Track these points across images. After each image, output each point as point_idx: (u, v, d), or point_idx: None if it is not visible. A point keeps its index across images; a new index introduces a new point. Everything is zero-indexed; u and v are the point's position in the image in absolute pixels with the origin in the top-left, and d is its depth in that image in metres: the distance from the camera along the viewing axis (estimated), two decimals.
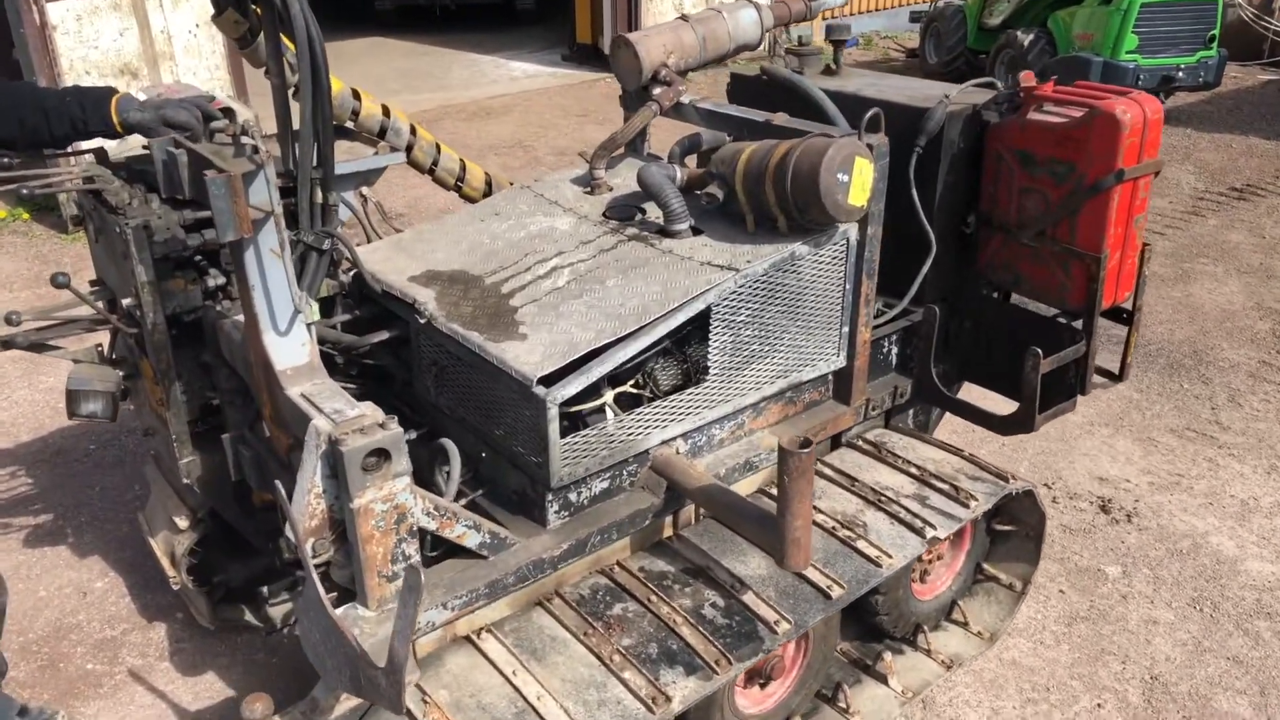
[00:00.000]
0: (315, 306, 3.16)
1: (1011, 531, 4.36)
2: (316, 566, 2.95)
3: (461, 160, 4.54)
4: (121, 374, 3.82)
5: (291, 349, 3.11)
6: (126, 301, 3.54)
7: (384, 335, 3.82)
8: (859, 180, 3.48)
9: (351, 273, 3.90)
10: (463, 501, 3.44)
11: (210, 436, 3.82)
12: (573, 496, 3.34)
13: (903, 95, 4.23)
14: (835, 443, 4.21)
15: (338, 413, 2.88)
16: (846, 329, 3.92)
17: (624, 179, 4.37)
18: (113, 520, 5.34)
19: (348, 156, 4.07)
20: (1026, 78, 4.06)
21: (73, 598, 4.74)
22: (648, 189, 3.86)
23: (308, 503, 2.86)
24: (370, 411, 2.90)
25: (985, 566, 4.44)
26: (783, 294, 3.62)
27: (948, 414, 4.66)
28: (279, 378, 3.07)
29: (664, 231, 3.84)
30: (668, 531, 3.71)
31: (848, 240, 3.73)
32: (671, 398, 3.46)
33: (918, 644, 4.26)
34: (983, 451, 4.99)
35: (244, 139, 2.98)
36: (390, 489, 2.83)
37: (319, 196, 3.74)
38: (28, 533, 5.19)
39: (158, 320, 3.51)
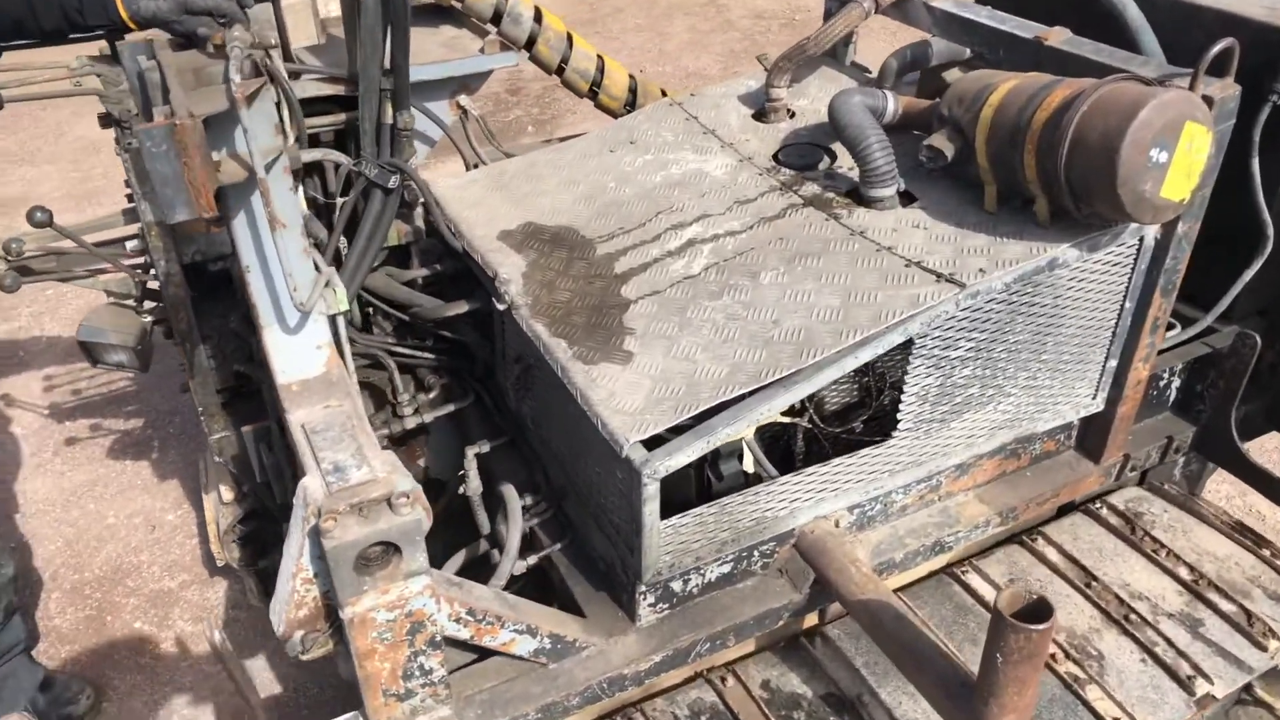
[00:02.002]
0: (341, 293, 2.23)
1: None
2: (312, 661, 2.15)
3: (600, 59, 3.43)
4: (149, 318, 3.07)
5: (302, 354, 2.21)
6: (131, 243, 2.73)
7: (464, 307, 2.88)
8: (1185, 160, 2.16)
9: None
10: (530, 560, 2.54)
11: (247, 405, 3.06)
12: (676, 586, 2.36)
13: (1264, 6, 2.75)
14: (1065, 508, 3.00)
15: (338, 471, 1.98)
16: (1113, 363, 2.65)
17: (812, 101, 3.14)
18: (202, 435, 4.82)
19: (446, 53, 3.05)
20: None
21: (140, 530, 4.26)
22: (841, 129, 2.64)
23: (293, 588, 2.02)
24: (386, 474, 1.99)
25: (1256, 687, 3.19)
26: (1027, 317, 2.40)
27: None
28: (280, 395, 2.19)
29: (858, 195, 2.65)
30: (810, 619, 2.70)
31: (1141, 242, 2.43)
32: (838, 462, 2.37)
33: None
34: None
35: (235, 45, 2.02)
36: (400, 593, 1.94)
37: (388, 114, 2.79)
38: (113, 440, 4.74)
39: (171, 270, 2.69)
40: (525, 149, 3.43)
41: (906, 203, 2.64)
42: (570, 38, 3.36)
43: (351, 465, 2.00)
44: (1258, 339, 2.81)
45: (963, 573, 2.75)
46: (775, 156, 2.92)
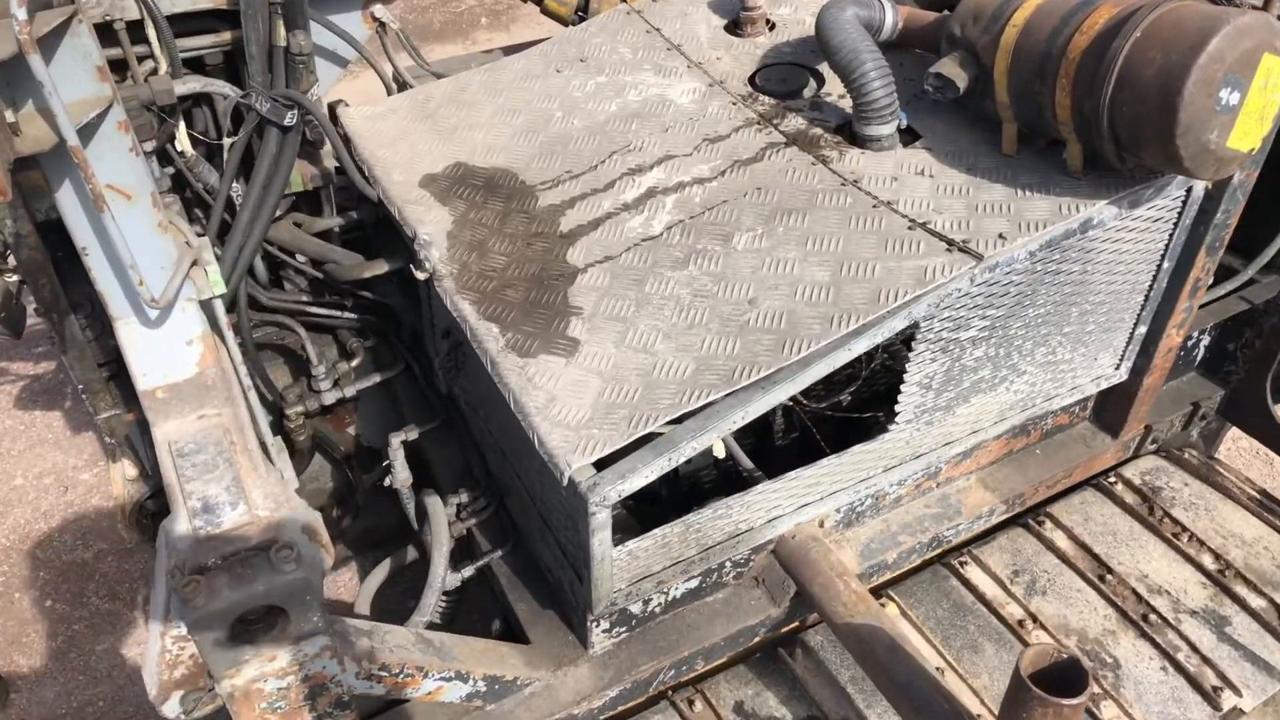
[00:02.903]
0: (215, 273, 1.79)
1: None
2: None
3: None
4: (13, 278, 2.60)
5: (168, 353, 1.79)
6: None
7: (382, 267, 2.44)
8: (1259, 101, 1.73)
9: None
10: (465, 572, 2.18)
11: None
12: (635, 608, 2.02)
13: None
14: None
15: (208, 511, 1.59)
16: (1143, 330, 2.28)
17: (796, 10, 2.66)
18: None
19: None
20: None
21: (51, 492, 3.87)
22: (831, 51, 2.18)
23: (163, 647, 1.65)
24: (269, 512, 1.60)
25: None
26: (1051, 287, 2.01)
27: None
28: (143, 403, 1.78)
29: (850, 132, 2.21)
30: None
31: (1189, 194, 2.03)
32: (825, 464, 2.01)
33: None
34: None
35: None
36: (292, 658, 1.58)
37: (280, 35, 2.28)
38: (20, 388, 4.28)
39: (21, 229, 2.22)
40: (458, 64, 2.94)
41: (908, 141, 2.21)
42: None
43: (225, 502, 1.61)
44: None
45: (961, 564, 2.43)
46: (752, 80, 2.46)
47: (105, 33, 2.18)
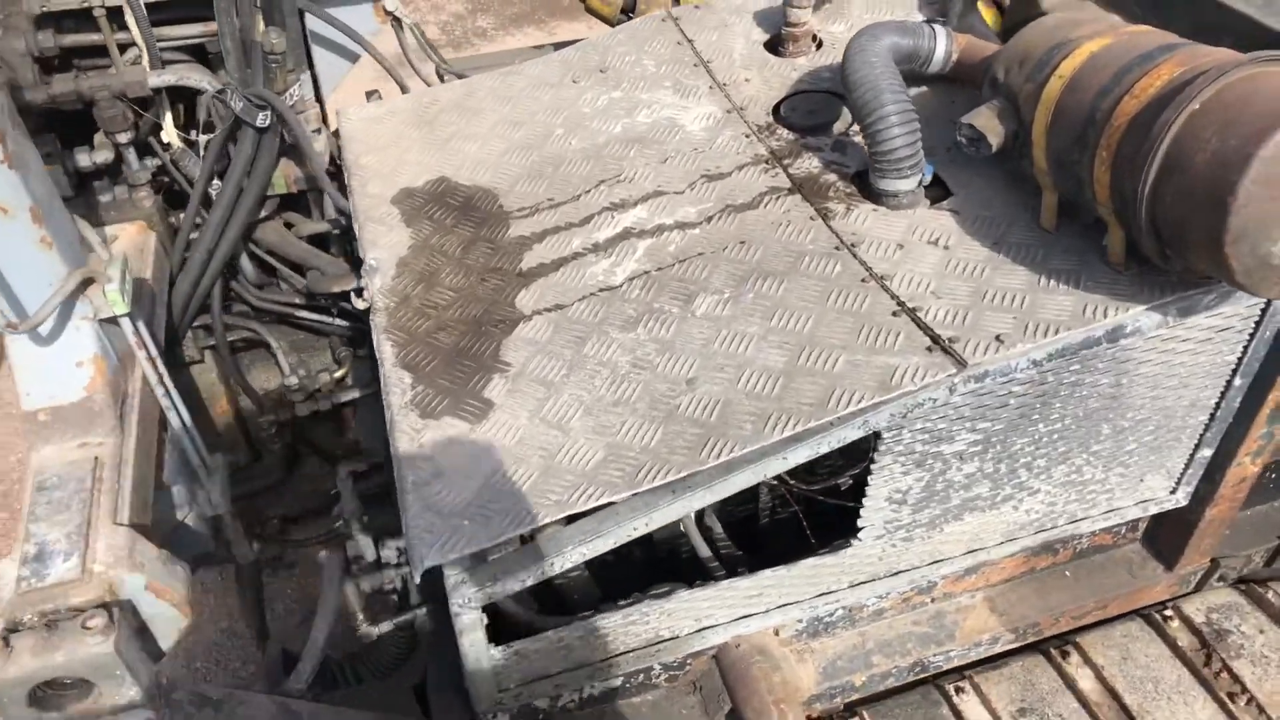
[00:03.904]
0: (115, 291, 1.67)
1: None
2: None
3: None
4: None
5: (54, 373, 1.68)
6: None
7: (351, 283, 2.29)
8: None
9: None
10: (383, 627, 2.01)
11: None
12: (542, 704, 1.80)
13: None
14: None
15: (39, 559, 1.48)
16: (1207, 453, 1.87)
17: (851, 27, 2.32)
18: None
19: None
20: None
21: None
22: (850, 87, 1.86)
23: None
24: (104, 569, 1.47)
25: None
26: (1070, 401, 1.65)
27: None
28: (26, 424, 1.68)
29: (864, 183, 1.89)
30: None
31: (1267, 305, 1.61)
32: (769, 576, 1.72)
33: None
34: None
35: None
36: None
37: (259, 29, 2.14)
38: None
39: None
40: (492, 60, 2.74)
41: (938, 197, 1.86)
42: None
43: (60, 551, 1.49)
44: None
45: (957, 689, 2.08)
46: (776, 109, 2.16)
47: (85, 18, 2.10)
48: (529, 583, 1.49)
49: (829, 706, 1.97)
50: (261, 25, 2.10)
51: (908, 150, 1.80)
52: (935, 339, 1.56)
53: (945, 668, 2.02)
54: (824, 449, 1.51)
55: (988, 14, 2.39)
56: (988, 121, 1.75)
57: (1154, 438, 1.80)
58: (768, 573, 1.71)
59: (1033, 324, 1.54)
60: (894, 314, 1.62)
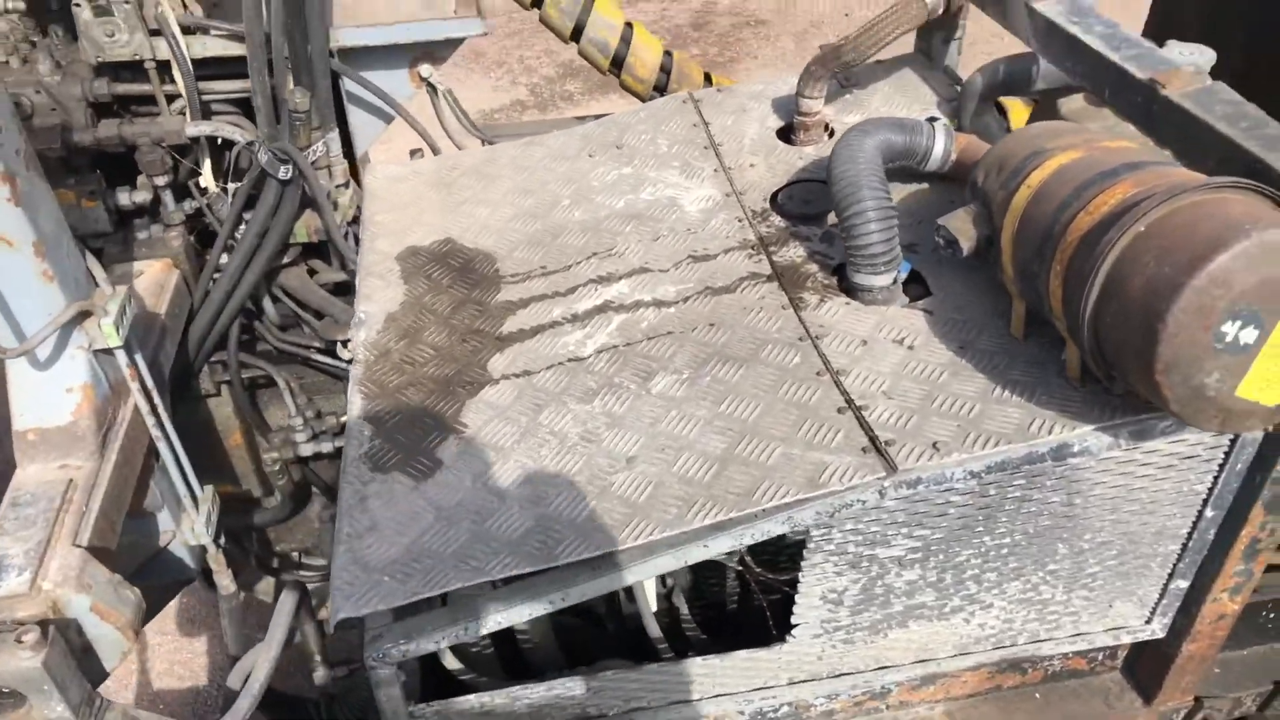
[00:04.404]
0: (110, 326, 1.78)
1: None
2: None
3: (627, 29, 2.72)
4: None
5: (46, 396, 1.79)
6: None
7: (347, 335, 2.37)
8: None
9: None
10: (338, 673, 2.05)
11: None
12: None
13: None
14: None
15: None
16: (1182, 585, 1.78)
17: (867, 112, 2.34)
18: None
19: (415, 12, 2.49)
20: None
21: None
22: (831, 180, 1.88)
23: None
24: (51, 587, 1.56)
25: None
26: (1019, 516, 1.60)
27: None
28: (15, 441, 1.79)
29: (844, 276, 1.89)
30: None
31: (1231, 445, 1.55)
32: (700, 663, 1.71)
33: None
34: None
35: None
36: None
37: (288, 88, 2.28)
38: None
39: None
40: (530, 130, 2.84)
41: (918, 296, 1.85)
42: (589, 1, 2.69)
43: (14, 566, 1.58)
44: None
45: None
46: (774, 196, 2.18)
47: (138, 69, 2.28)
48: (443, 644, 1.51)
49: None
50: (291, 84, 2.24)
51: (883, 246, 1.80)
52: (873, 440, 1.54)
53: None
54: (747, 540, 1.50)
55: (1020, 114, 2.38)
56: (962, 225, 1.74)
57: (1119, 563, 1.72)
58: (699, 660, 1.69)
59: (975, 434, 1.51)
60: (839, 410, 1.61)
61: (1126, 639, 1.87)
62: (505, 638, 1.86)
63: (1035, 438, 1.49)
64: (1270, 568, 2.03)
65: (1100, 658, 1.99)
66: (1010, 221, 1.61)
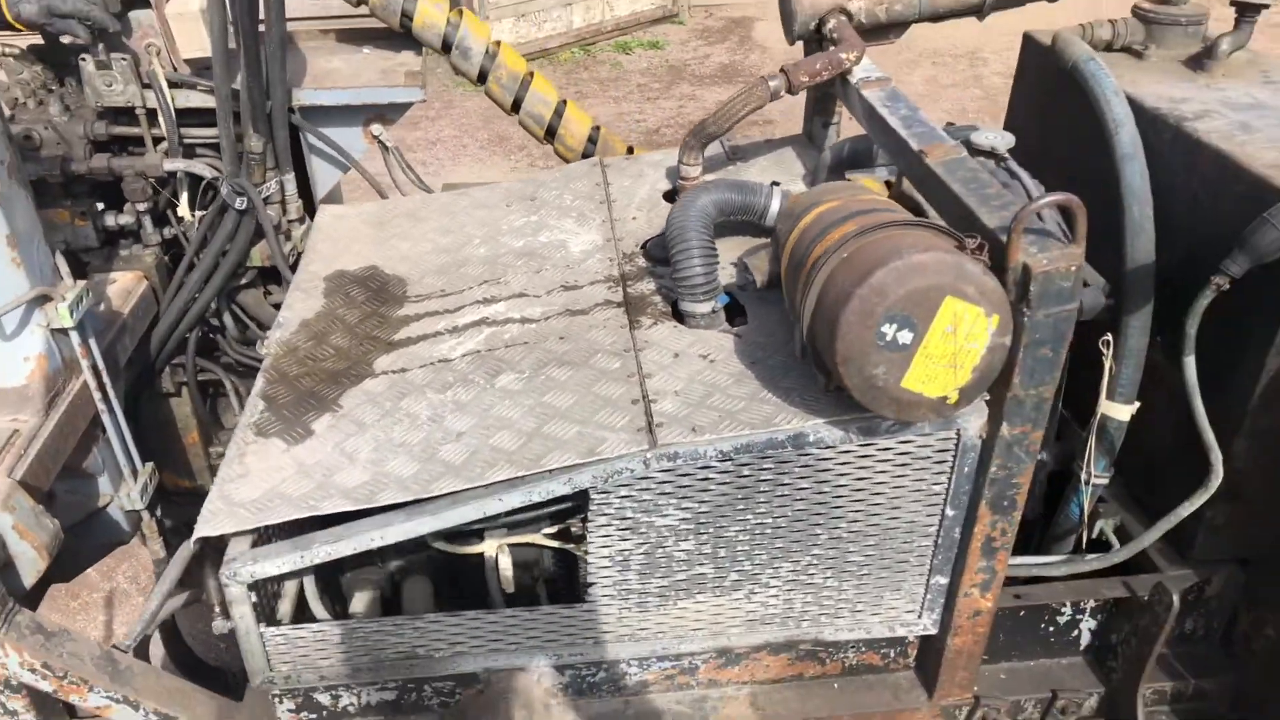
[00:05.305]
0: (65, 310, 2.19)
1: None
2: None
3: (560, 104, 3.16)
4: None
5: (7, 361, 2.19)
6: None
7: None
8: (946, 346, 1.59)
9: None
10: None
11: None
12: (324, 699, 2.11)
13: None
14: None
15: None
16: (941, 581, 2.05)
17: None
18: None
19: (375, 79, 2.95)
20: None
21: None
22: (667, 227, 2.24)
23: None
24: None
25: None
26: (777, 499, 1.90)
27: None
28: None
29: (676, 306, 2.24)
30: None
31: (959, 438, 1.84)
32: (512, 614, 2.01)
33: None
34: None
35: None
36: None
37: (253, 141, 2.72)
38: None
39: None
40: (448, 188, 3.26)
41: (739, 323, 2.19)
42: (528, 79, 3.13)
43: None
44: (1175, 598, 2.05)
45: None
46: (645, 243, 2.55)
47: (129, 115, 2.74)
48: (283, 570, 1.84)
49: None
50: (253, 134, 2.68)
51: (703, 279, 2.15)
52: (649, 423, 1.86)
53: None
54: (535, 498, 1.82)
55: (872, 185, 2.75)
56: (758, 261, 2.09)
57: (880, 554, 2.00)
58: (509, 610, 1.99)
59: (729, 423, 1.83)
60: (634, 402, 1.94)
61: (902, 631, 2.12)
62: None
63: (771, 427, 1.80)
64: (1034, 580, 2.29)
65: (893, 654, 2.23)
66: (785, 256, 1.96)
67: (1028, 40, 2.81)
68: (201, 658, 2.91)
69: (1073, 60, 2.37)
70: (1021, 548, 2.32)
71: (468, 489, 1.82)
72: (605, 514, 1.87)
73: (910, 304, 1.56)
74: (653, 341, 2.14)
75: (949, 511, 1.94)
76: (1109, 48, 2.62)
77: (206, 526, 1.83)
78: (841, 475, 1.88)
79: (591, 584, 1.97)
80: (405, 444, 1.97)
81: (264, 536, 1.93)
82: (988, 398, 1.80)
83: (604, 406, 1.94)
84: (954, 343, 1.58)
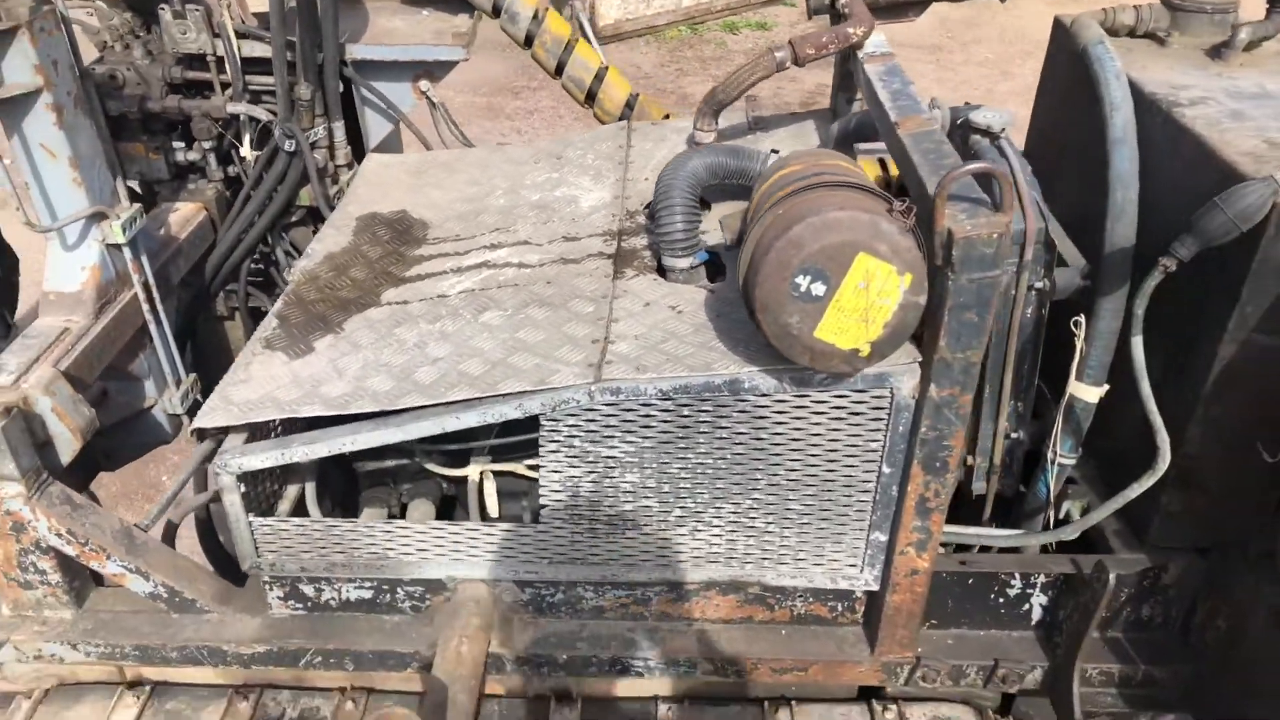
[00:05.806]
0: (118, 228, 2.47)
1: None
2: None
3: (602, 70, 3.29)
4: None
5: (68, 269, 2.49)
6: None
7: None
8: (858, 301, 1.68)
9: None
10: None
11: None
12: (307, 590, 2.33)
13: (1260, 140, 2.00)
14: (867, 692, 2.44)
15: None
16: (880, 537, 2.13)
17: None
18: None
19: (427, 39, 3.16)
20: None
21: None
22: (657, 184, 2.37)
23: None
24: (11, 382, 2.21)
25: None
26: (717, 441, 2.01)
27: None
28: (40, 298, 2.49)
29: (660, 261, 2.37)
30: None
31: (893, 397, 1.92)
32: (473, 528, 2.18)
33: None
34: None
35: None
36: None
37: (302, 89, 2.96)
38: None
39: None
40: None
41: (715, 278, 2.31)
42: (571, 44, 3.29)
43: (6, 370, 2.24)
44: (1111, 576, 2.07)
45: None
46: (650, 204, 2.67)
47: (201, 61, 3.02)
48: (267, 464, 2.06)
49: (539, 684, 2.34)
50: (302, 82, 2.92)
51: (683, 235, 2.27)
52: (600, 361, 2.00)
53: (643, 675, 2.33)
54: (489, 419, 1.99)
55: (869, 169, 2.81)
56: (730, 220, 2.19)
57: (819, 504, 2.09)
58: (468, 524, 2.17)
59: (673, 365, 1.95)
60: (594, 342, 2.09)
61: (844, 584, 2.21)
62: None
63: (709, 371, 1.92)
64: (983, 548, 2.34)
65: (840, 608, 2.32)
66: (750, 211, 2.06)
67: (1057, 24, 2.80)
68: (230, 553, 3.20)
69: (1083, 44, 2.38)
70: (1000, 524, 2.38)
71: (429, 405, 2.00)
72: (555, 440, 2.03)
73: (824, 258, 1.65)
74: (630, 291, 2.28)
75: (885, 469, 2.02)
76: (1131, 33, 2.60)
77: (204, 419, 2.07)
78: (779, 424, 1.98)
79: (544, 505, 2.13)
80: (388, 364, 2.17)
81: (262, 436, 2.16)
82: (919, 359, 1.87)
83: (566, 343, 2.09)
84: (866, 298, 1.67)
